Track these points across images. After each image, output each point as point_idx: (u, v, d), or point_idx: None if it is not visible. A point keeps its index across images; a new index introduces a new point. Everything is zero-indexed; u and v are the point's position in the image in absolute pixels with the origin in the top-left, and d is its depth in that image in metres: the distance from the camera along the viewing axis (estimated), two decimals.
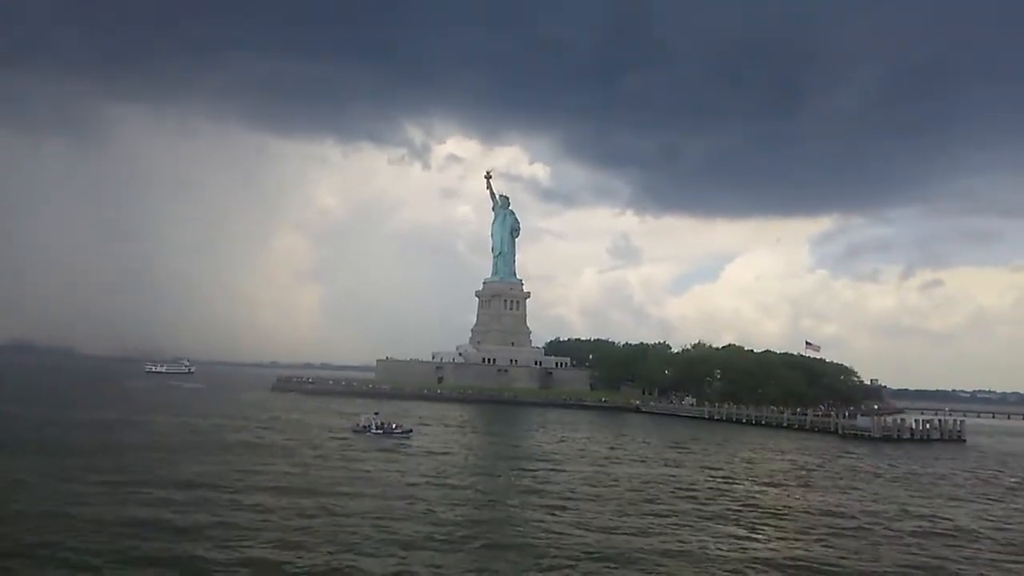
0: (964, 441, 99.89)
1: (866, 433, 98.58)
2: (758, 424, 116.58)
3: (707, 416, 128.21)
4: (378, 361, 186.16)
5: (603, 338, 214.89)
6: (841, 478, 56.68)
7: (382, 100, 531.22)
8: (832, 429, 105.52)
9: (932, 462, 73.20)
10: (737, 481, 51.82)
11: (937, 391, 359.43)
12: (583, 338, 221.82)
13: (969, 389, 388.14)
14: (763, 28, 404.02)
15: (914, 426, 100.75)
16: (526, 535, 32.15)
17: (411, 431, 73.29)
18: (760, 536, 34.43)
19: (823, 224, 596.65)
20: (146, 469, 44.71)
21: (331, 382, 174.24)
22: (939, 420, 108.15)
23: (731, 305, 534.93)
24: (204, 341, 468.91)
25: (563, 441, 75.90)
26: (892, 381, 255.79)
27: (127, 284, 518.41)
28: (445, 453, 60.71)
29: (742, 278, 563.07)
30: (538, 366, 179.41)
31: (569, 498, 41.42)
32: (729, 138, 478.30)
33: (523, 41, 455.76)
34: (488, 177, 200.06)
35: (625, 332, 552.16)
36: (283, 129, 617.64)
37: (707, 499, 43.57)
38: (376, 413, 78.13)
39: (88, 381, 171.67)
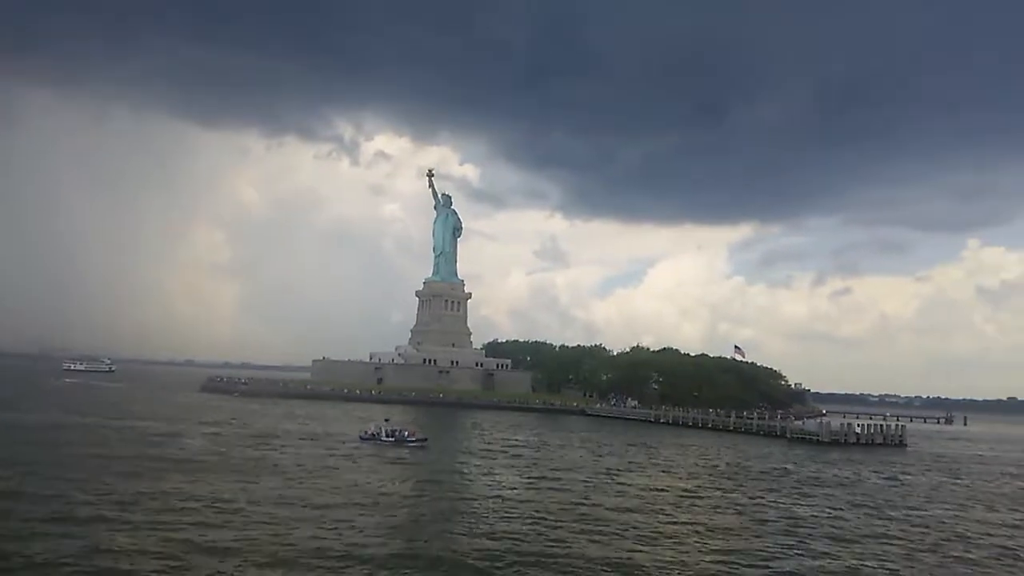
0: (905, 446, 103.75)
1: (814, 437, 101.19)
2: (704, 427, 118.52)
3: (653, 419, 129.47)
4: (314, 361, 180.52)
5: (536, 340, 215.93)
6: (852, 487, 57.55)
7: (312, 93, 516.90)
8: (779, 433, 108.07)
9: (902, 468, 74.87)
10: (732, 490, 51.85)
11: (847, 395, 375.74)
12: (520, 340, 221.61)
13: (875, 393, 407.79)
14: (692, 38, 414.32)
15: (859, 430, 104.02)
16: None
17: (426, 440, 68.74)
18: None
19: (743, 232, 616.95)
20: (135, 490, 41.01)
21: (247, 381, 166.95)
22: (881, 425, 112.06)
23: (652, 309, 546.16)
24: (115, 337, 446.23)
25: (561, 448, 74.54)
26: (804, 384, 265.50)
27: (32, 277, 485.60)
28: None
29: (664, 283, 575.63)
30: (479, 367, 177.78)
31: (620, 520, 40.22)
32: (658, 145, 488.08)
33: (459, 40, 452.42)
34: (430, 176, 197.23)
35: (551, 334, 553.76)
36: (207, 119, 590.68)
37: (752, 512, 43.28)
38: (387, 419, 73.81)
39: (1, 380, 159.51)
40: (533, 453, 68.31)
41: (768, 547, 33.83)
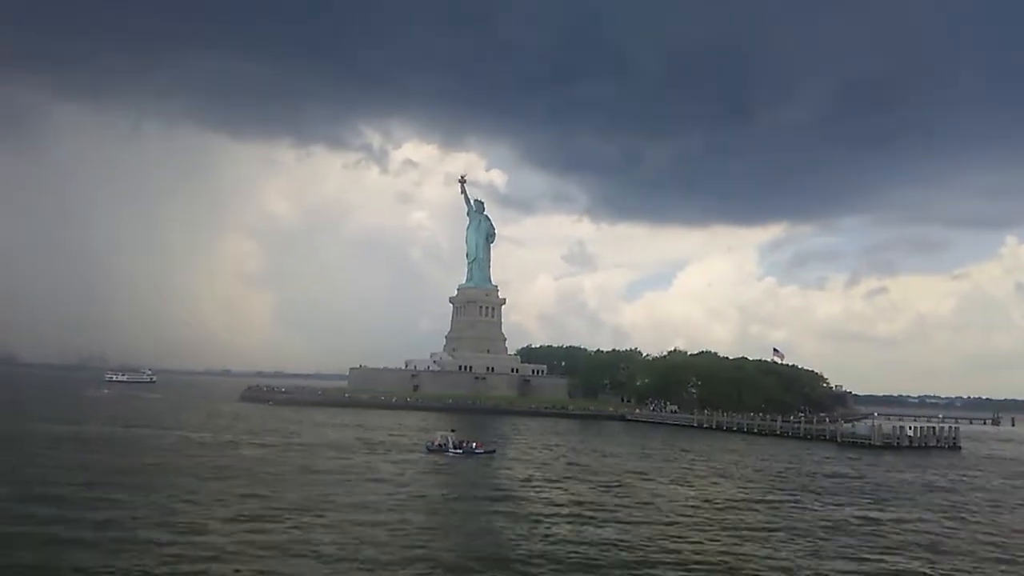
0: (960, 448, 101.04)
1: (865, 441, 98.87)
2: (749, 432, 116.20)
3: (696, 424, 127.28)
4: (351, 369, 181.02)
5: (570, 345, 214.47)
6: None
7: (340, 102, 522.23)
8: (828, 437, 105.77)
9: (964, 471, 72.74)
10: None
11: (885, 396, 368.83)
12: (553, 345, 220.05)
13: (914, 394, 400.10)
14: (719, 37, 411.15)
15: (911, 433, 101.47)
16: None
17: (494, 451, 67.47)
18: None
19: (773, 232, 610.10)
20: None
21: (287, 390, 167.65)
22: (933, 427, 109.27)
23: (682, 311, 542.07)
24: (150, 347, 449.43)
25: (615, 456, 73.01)
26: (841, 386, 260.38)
27: (69, 288, 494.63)
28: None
29: (693, 285, 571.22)
30: (515, 373, 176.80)
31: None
32: (685, 146, 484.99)
33: (483, 44, 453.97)
34: (463, 182, 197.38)
35: (580, 338, 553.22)
36: (236, 131, 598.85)
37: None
38: (453, 430, 72.10)
39: (46, 391, 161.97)
40: (590, 461, 67.08)
41: (863, 555, 32.57)
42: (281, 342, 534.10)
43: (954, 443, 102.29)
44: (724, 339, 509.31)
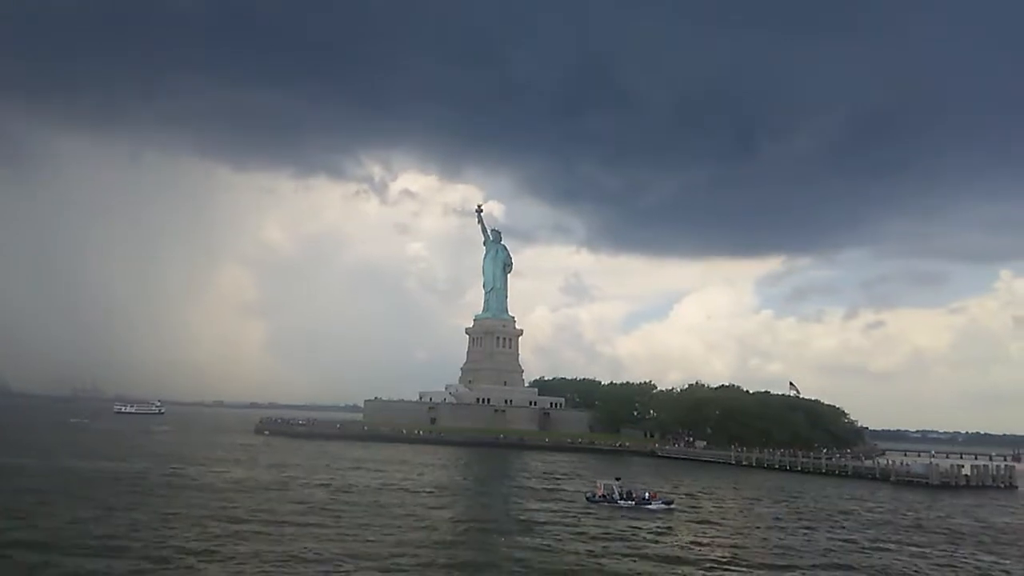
0: (1016, 487, 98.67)
1: (922, 480, 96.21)
2: (792, 470, 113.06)
3: (734, 462, 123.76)
4: (367, 401, 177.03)
5: (578, 377, 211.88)
6: None
7: (342, 131, 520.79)
8: (879, 476, 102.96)
9: None
10: None
11: (883, 430, 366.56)
12: (554, 376, 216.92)
13: (912, 428, 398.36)
14: (721, 74, 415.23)
15: (967, 472, 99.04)
16: None
17: (672, 502, 58.39)
18: None
19: (771, 265, 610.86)
20: None
21: (305, 423, 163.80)
22: (987, 465, 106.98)
23: (679, 343, 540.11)
24: (144, 378, 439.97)
25: (700, 499, 68.14)
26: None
27: (64, 318, 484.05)
28: None
29: (691, 317, 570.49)
30: (533, 407, 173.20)
31: None
32: (685, 179, 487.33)
33: (491, 79, 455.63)
34: (479, 211, 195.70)
35: (576, 370, 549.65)
36: (238, 161, 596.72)
37: None
38: (618, 478, 63.67)
39: (52, 424, 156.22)
40: (702, 505, 62.83)
41: None
42: (274, 373, 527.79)
43: (1010, 482, 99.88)
44: (722, 372, 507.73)
